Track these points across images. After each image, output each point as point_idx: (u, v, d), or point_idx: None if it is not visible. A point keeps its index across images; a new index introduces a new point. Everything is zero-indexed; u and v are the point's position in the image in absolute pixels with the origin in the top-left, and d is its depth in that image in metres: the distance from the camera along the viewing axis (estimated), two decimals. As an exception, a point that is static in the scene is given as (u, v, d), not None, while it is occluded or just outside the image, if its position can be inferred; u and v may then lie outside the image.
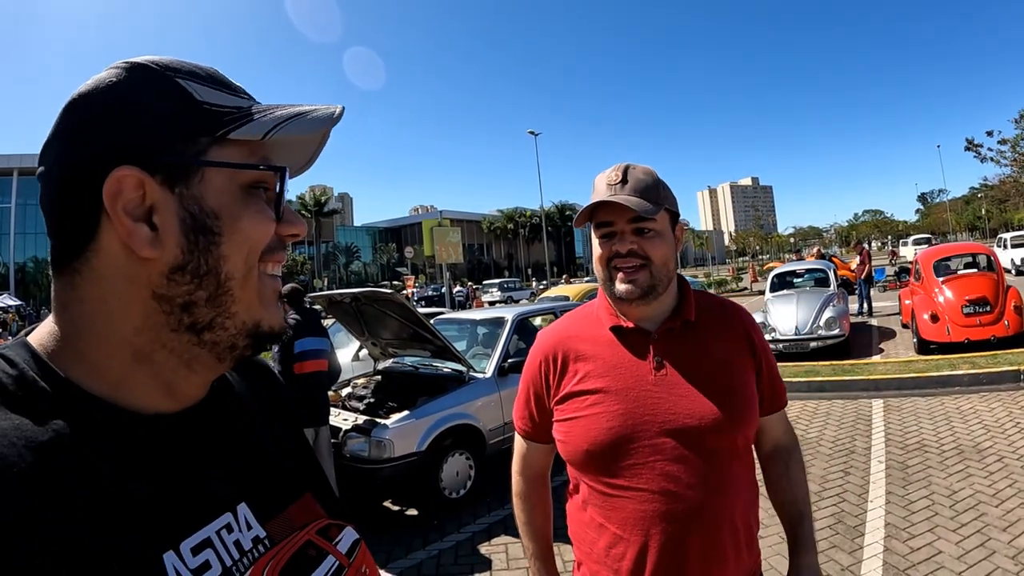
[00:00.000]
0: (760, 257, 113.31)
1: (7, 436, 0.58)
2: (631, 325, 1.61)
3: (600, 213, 1.57)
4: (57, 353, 0.67)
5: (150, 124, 0.66)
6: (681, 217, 1.70)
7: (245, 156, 0.71)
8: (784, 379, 1.76)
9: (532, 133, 51.33)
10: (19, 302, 47.94)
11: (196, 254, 0.67)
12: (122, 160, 0.64)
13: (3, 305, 42.59)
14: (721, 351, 1.61)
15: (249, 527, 0.73)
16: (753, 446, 1.68)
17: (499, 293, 44.38)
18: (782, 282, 14.31)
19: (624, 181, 1.54)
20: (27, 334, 0.70)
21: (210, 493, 0.71)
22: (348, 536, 0.84)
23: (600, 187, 1.57)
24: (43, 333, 0.69)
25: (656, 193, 1.54)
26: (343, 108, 0.73)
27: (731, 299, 1.79)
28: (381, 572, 0.91)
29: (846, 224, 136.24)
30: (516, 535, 5.10)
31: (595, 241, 1.62)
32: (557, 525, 1.83)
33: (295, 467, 0.87)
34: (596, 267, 1.63)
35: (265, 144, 0.72)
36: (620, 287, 1.56)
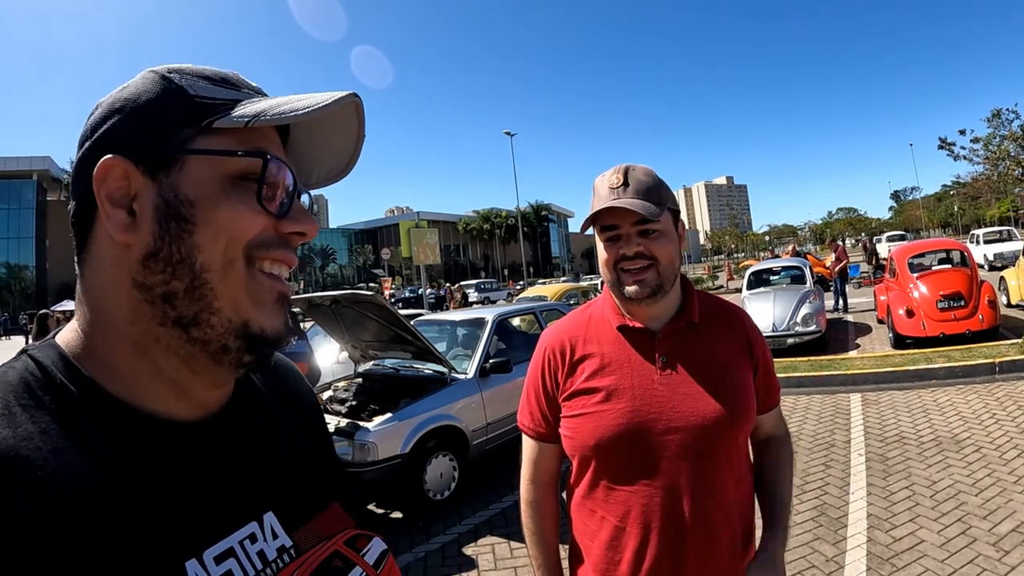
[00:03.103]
0: (735, 256, 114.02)
1: (32, 440, 0.60)
2: (638, 325, 1.63)
3: (604, 217, 1.58)
4: (79, 351, 0.69)
5: (138, 118, 0.68)
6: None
7: (235, 146, 0.69)
8: None
9: (508, 133, 51.38)
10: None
11: (167, 240, 0.66)
12: (111, 151, 0.66)
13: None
14: (723, 352, 1.64)
15: (275, 536, 0.73)
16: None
17: (476, 294, 44.46)
18: (759, 280, 14.47)
19: (626, 184, 1.55)
20: (55, 334, 0.73)
21: (235, 502, 0.72)
22: (376, 547, 0.83)
23: (602, 191, 1.58)
24: (68, 331, 0.72)
25: (658, 194, 1.56)
26: (351, 93, 0.71)
27: (728, 300, 1.82)
28: None
29: (820, 222, 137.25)
30: (502, 535, 5.19)
31: (600, 244, 1.64)
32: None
33: (322, 475, 0.87)
34: (603, 270, 1.65)
35: (261, 134, 0.72)
36: (629, 288, 1.57)
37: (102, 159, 0.66)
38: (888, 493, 5.04)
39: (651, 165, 1.60)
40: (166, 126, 0.68)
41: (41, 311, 11.52)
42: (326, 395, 6.78)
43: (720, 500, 1.54)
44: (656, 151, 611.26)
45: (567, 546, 1.74)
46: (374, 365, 7.38)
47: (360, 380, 7.09)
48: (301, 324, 6.16)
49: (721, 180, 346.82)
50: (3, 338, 42.13)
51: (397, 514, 5.93)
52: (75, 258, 0.72)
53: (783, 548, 1.66)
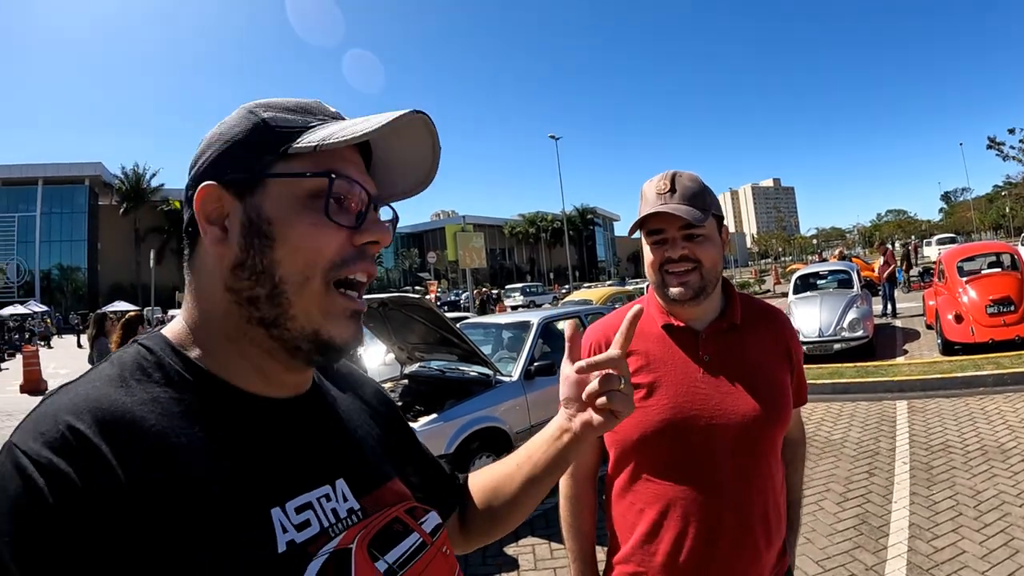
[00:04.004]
0: (783, 259, 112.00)
1: (145, 405, 0.73)
2: (682, 324, 1.70)
3: (651, 221, 1.65)
4: (185, 340, 0.83)
5: (229, 148, 0.81)
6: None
7: (309, 168, 0.80)
8: (808, 381, 1.86)
9: (553, 137, 51.27)
10: (45, 308, 48.60)
11: (252, 253, 0.79)
12: (209, 178, 0.80)
13: (31, 311, 43.25)
14: (764, 353, 1.71)
15: (345, 499, 0.84)
16: None
17: (521, 297, 43.91)
18: (805, 284, 14.24)
19: (673, 190, 1.63)
20: (161, 327, 0.87)
21: (313, 466, 0.84)
22: (432, 519, 0.94)
23: (650, 196, 1.66)
24: (174, 325, 0.86)
25: (704, 200, 1.64)
26: (413, 111, 0.81)
27: (774, 305, 1.89)
28: None
29: (869, 224, 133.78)
30: (543, 536, 5.27)
31: (646, 247, 1.71)
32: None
33: (384, 455, 1.00)
34: (648, 271, 1.72)
35: (336, 155, 0.82)
36: (673, 290, 1.64)
37: (201, 186, 0.80)
38: (931, 503, 5.01)
39: (697, 167, 1.70)
40: (251, 154, 0.80)
41: (98, 312, 12.15)
42: (373, 396, 6.86)
43: (757, 498, 1.60)
44: (702, 153, 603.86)
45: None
46: (420, 367, 7.46)
47: (406, 381, 7.21)
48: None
49: (768, 182, 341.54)
50: (55, 336, 43.23)
51: (441, 514, 5.99)
52: (184, 263, 0.85)
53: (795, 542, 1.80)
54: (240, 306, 0.80)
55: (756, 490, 1.60)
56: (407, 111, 0.80)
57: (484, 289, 39.83)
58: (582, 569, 1.86)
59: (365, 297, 0.88)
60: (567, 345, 1.13)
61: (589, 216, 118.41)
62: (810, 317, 11.76)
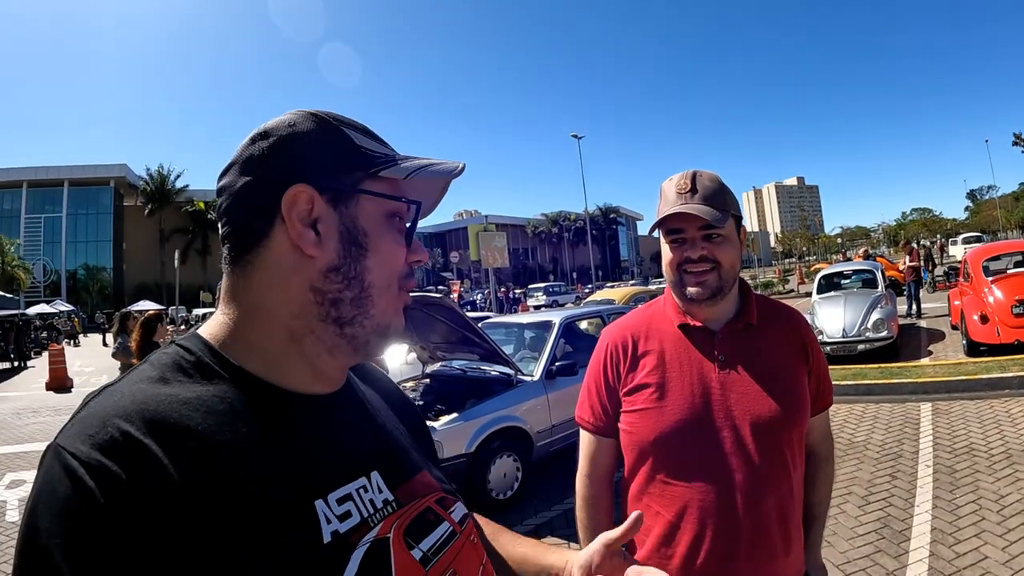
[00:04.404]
0: (807, 258, 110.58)
1: (190, 404, 0.75)
2: (698, 324, 1.70)
3: (671, 220, 1.65)
4: (225, 340, 0.84)
5: (322, 157, 0.85)
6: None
7: (388, 191, 0.89)
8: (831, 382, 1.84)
9: (575, 136, 51.10)
10: (71, 307, 49.17)
11: (348, 260, 0.85)
12: (298, 180, 0.82)
13: (57, 310, 43.85)
14: (779, 353, 1.70)
15: (380, 490, 0.88)
16: None
17: (544, 297, 43.55)
18: (829, 284, 14.12)
19: (693, 189, 1.63)
20: (197, 328, 0.89)
21: (350, 460, 0.88)
22: (459, 509, 1.00)
23: (670, 195, 1.66)
24: (213, 325, 0.87)
25: (723, 200, 1.64)
26: (464, 165, 0.92)
27: (785, 303, 1.87)
28: None
29: (894, 223, 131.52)
30: (563, 536, 5.30)
31: (665, 246, 1.71)
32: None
33: (412, 447, 1.05)
34: (666, 270, 1.72)
35: (402, 184, 0.90)
36: (691, 289, 1.64)
37: (294, 186, 0.82)
38: (954, 507, 4.97)
39: (719, 166, 1.73)
40: (343, 167, 0.86)
41: (123, 310, 12.47)
42: (395, 395, 6.92)
43: (774, 499, 1.58)
44: (725, 152, 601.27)
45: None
46: (442, 366, 7.54)
47: (428, 381, 7.27)
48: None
49: (792, 181, 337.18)
50: (81, 335, 43.80)
51: (462, 512, 6.04)
52: (228, 258, 0.86)
53: (821, 558, 1.77)
54: (320, 306, 0.84)
55: (773, 492, 1.59)
56: (462, 164, 0.92)
57: (504, 289, 39.82)
58: None
59: None
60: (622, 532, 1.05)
61: (612, 215, 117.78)
62: (834, 317, 11.66)
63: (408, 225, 0.92)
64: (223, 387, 0.79)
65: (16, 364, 25.77)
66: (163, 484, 0.67)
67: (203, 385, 0.78)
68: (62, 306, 46.36)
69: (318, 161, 0.85)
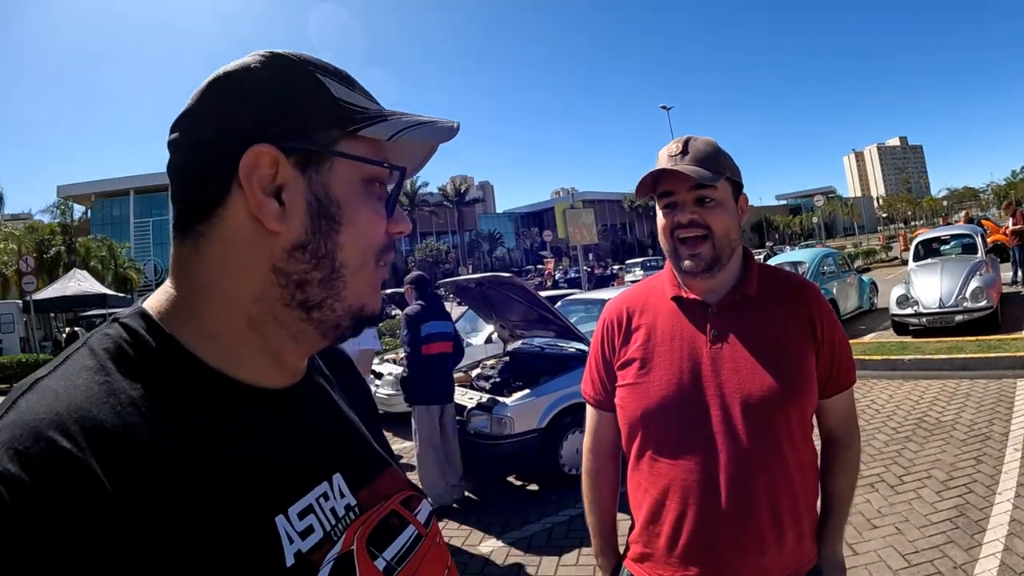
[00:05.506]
0: (912, 223, 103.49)
1: (135, 405, 0.63)
2: (692, 296, 1.63)
3: (663, 184, 1.60)
4: (173, 317, 0.71)
5: (290, 110, 0.71)
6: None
7: (368, 153, 0.75)
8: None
9: (664, 108, 50.00)
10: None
11: (317, 236, 0.72)
12: (261, 139, 0.68)
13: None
14: (779, 328, 1.59)
15: (342, 495, 0.78)
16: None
17: (641, 272, 41.89)
18: (927, 250, 13.21)
19: (685, 152, 1.57)
20: (143, 301, 0.75)
21: (311, 463, 0.77)
22: (425, 508, 0.91)
23: (662, 159, 1.60)
24: (160, 298, 0.73)
25: (716, 162, 1.56)
26: (458, 124, 0.78)
27: (804, 277, 1.81)
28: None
29: (1003, 183, 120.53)
30: (629, 512, 5.16)
31: (659, 212, 1.65)
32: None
33: (376, 444, 0.94)
34: (661, 239, 1.65)
35: (386, 145, 0.77)
36: (686, 263, 1.57)
37: (254, 147, 0.68)
38: (1038, 497, 4.55)
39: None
40: (314, 124, 0.72)
41: None
42: (475, 372, 7.14)
43: (763, 483, 1.50)
44: (822, 114, 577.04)
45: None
46: (523, 344, 7.63)
47: (507, 358, 7.36)
48: (446, 306, 6.47)
49: (894, 141, 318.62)
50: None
51: (533, 487, 6.14)
52: (177, 223, 0.73)
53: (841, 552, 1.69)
54: (284, 288, 0.72)
55: (761, 475, 1.50)
56: (456, 123, 0.79)
57: (594, 266, 39.39)
58: (601, 544, 1.85)
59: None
60: None
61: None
62: (930, 286, 10.91)
63: (390, 190, 0.80)
64: (172, 381, 0.67)
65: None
66: (102, 503, 0.56)
67: (149, 379, 0.66)
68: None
69: (286, 115, 0.71)
